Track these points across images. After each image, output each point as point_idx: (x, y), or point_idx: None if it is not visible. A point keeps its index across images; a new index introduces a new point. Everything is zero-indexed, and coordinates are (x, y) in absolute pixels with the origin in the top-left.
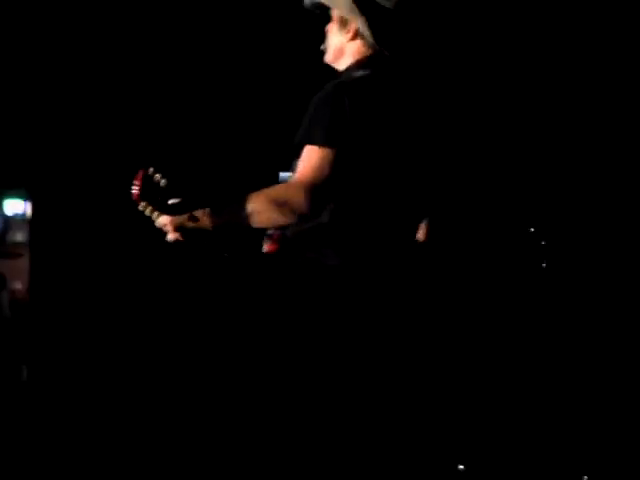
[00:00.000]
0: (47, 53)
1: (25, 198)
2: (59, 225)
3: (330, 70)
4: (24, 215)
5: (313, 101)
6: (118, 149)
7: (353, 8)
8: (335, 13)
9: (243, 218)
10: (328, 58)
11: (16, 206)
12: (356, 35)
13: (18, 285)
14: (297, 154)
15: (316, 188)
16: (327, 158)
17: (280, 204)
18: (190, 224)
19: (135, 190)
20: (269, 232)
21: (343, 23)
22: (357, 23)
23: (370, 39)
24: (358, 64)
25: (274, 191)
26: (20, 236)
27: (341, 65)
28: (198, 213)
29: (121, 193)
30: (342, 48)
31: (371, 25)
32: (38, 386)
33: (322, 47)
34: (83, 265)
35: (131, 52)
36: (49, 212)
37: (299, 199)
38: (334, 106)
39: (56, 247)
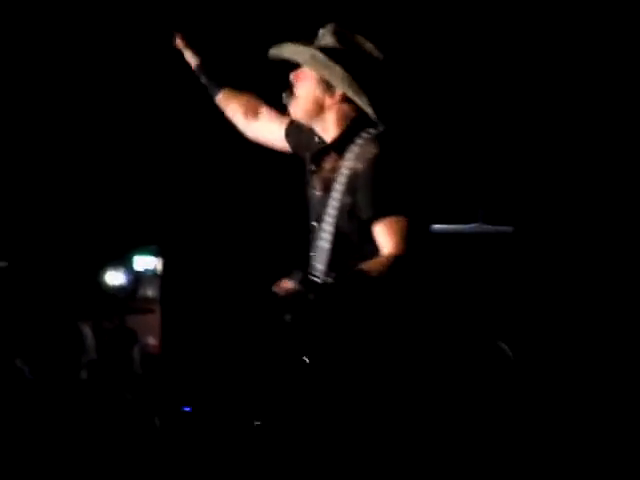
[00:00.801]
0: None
1: (156, 254)
2: (190, 281)
3: None
4: (154, 271)
5: (380, 170)
6: (243, 207)
7: (352, 84)
8: (317, 73)
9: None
10: (297, 111)
11: (147, 262)
12: (343, 100)
13: (150, 340)
14: (371, 221)
15: (410, 257)
16: (413, 227)
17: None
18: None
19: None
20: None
21: (327, 85)
22: (350, 94)
23: (370, 112)
24: (357, 126)
25: (382, 266)
26: (151, 292)
27: (315, 122)
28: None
29: (248, 248)
30: (322, 107)
31: (372, 103)
32: (171, 438)
33: (286, 97)
34: (214, 320)
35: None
36: (180, 268)
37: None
38: (408, 176)
39: (187, 302)
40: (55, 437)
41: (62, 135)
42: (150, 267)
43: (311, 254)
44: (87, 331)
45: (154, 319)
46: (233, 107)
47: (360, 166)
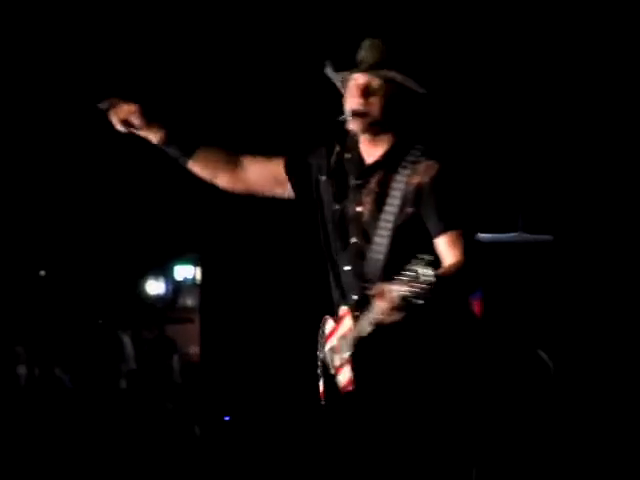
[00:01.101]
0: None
1: (195, 264)
2: (229, 290)
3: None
4: (194, 280)
5: (446, 185)
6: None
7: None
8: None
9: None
10: (362, 126)
11: (186, 271)
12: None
13: (190, 349)
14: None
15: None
16: (471, 239)
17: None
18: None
19: None
20: None
21: (395, 101)
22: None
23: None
24: (405, 141)
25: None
26: (190, 301)
27: (370, 137)
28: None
29: (284, 256)
30: (386, 122)
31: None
32: (210, 448)
33: (360, 106)
34: (253, 329)
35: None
36: (219, 277)
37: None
38: (469, 190)
39: (226, 312)
40: (95, 446)
41: (100, 144)
42: (189, 276)
43: (345, 269)
44: (127, 340)
45: (194, 328)
46: (211, 167)
47: (426, 180)
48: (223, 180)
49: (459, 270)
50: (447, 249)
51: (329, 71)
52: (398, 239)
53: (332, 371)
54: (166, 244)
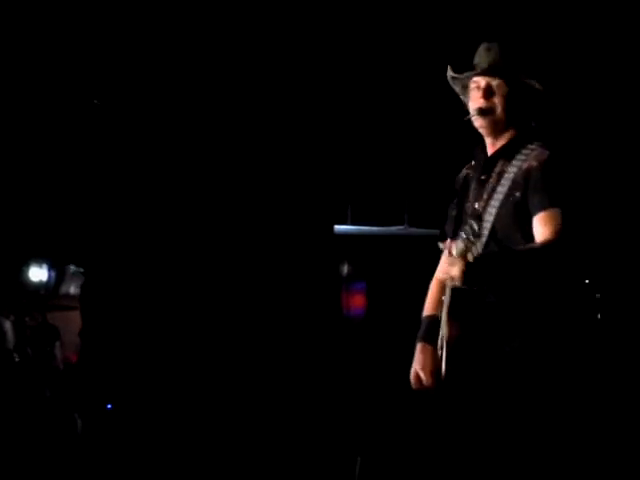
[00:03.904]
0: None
1: (79, 252)
2: (112, 278)
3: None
4: (77, 268)
5: (553, 168)
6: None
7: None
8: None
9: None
10: (488, 123)
11: (69, 259)
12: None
13: (72, 337)
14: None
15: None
16: (570, 220)
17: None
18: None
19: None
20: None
21: (519, 98)
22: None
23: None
24: (520, 136)
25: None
26: (73, 289)
27: (494, 133)
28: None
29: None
30: (510, 119)
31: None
32: (93, 437)
33: (484, 105)
34: (135, 317)
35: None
36: (102, 265)
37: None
38: (572, 177)
39: (109, 299)
40: None
41: None
42: (73, 264)
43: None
44: (8, 326)
45: (76, 316)
46: None
47: (535, 164)
48: None
49: (543, 247)
50: (542, 227)
51: (450, 77)
52: (500, 221)
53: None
54: (49, 232)
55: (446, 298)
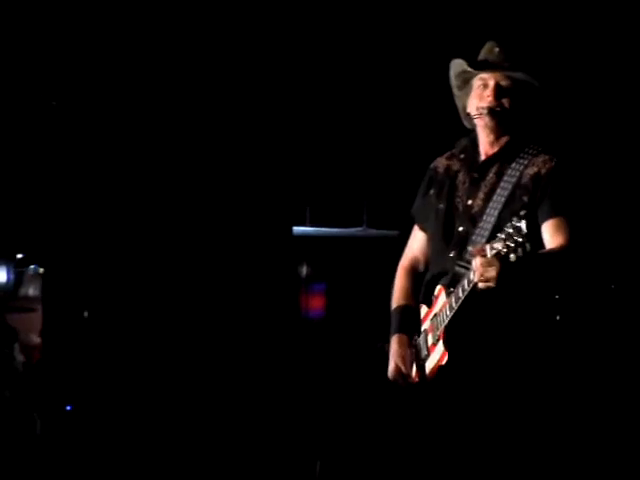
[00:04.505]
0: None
1: (39, 253)
2: (71, 279)
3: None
4: (36, 270)
5: (563, 175)
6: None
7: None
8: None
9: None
10: (491, 122)
11: (29, 261)
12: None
13: (31, 339)
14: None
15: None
16: (581, 227)
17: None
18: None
19: None
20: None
21: (522, 100)
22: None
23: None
24: (517, 138)
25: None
26: (32, 290)
27: (492, 133)
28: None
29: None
30: (512, 120)
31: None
32: (52, 437)
33: (494, 105)
34: (95, 319)
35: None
36: (61, 267)
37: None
38: (582, 183)
39: (69, 301)
40: None
41: None
42: (32, 266)
43: (450, 255)
44: None
45: (36, 318)
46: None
47: (543, 171)
48: None
49: (557, 253)
50: (554, 233)
51: (453, 69)
52: (502, 224)
53: (424, 353)
54: (8, 233)
55: (455, 300)
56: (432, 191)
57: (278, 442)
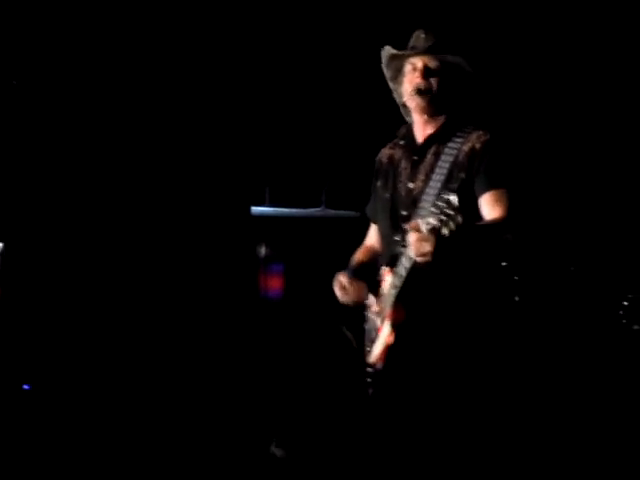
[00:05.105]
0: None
1: None
2: (30, 261)
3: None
4: None
5: (497, 150)
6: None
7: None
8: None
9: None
10: (424, 104)
11: None
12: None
13: None
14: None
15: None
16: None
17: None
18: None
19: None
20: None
21: (457, 83)
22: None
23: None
24: (453, 119)
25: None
26: None
27: (429, 116)
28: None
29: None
30: (447, 102)
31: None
32: (8, 417)
33: (422, 85)
34: (53, 299)
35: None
36: (21, 248)
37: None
38: (513, 157)
39: (27, 282)
40: None
41: None
42: None
43: (395, 239)
44: None
45: None
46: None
47: (478, 145)
48: None
49: (497, 224)
50: (491, 206)
51: (387, 57)
52: None
53: (373, 334)
54: None
55: (398, 278)
56: (379, 183)
57: (235, 423)
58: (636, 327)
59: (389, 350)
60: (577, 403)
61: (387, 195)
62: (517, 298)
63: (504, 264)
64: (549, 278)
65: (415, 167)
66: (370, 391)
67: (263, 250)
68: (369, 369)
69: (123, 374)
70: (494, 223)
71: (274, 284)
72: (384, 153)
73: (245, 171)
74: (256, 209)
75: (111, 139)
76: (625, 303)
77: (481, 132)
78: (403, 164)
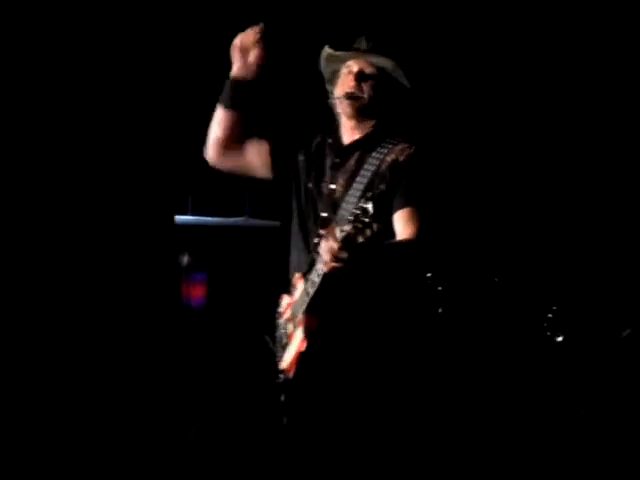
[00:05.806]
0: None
1: None
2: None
3: None
4: None
5: (416, 165)
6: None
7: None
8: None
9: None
10: (351, 109)
11: None
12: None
13: None
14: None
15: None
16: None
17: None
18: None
19: None
20: None
21: (388, 89)
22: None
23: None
24: (382, 128)
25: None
26: None
27: (356, 121)
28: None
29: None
30: (376, 108)
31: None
32: None
33: (354, 89)
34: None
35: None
36: None
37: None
38: (436, 174)
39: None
40: None
41: None
42: None
43: (314, 241)
44: None
45: None
46: (230, 132)
47: (401, 158)
48: (213, 147)
49: (408, 243)
50: (404, 223)
51: (323, 59)
52: None
53: (284, 341)
54: None
55: (310, 285)
56: (302, 158)
57: (157, 432)
58: (559, 339)
59: (301, 357)
60: (501, 415)
61: (310, 186)
62: (440, 310)
63: (428, 275)
64: (473, 289)
65: (336, 169)
66: (282, 397)
67: (185, 259)
68: (281, 375)
69: (42, 382)
70: (404, 243)
71: (196, 293)
72: (317, 140)
73: (168, 179)
74: (179, 218)
75: (29, 143)
76: (549, 315)
77: (406, 145)
78: (328, 162)
